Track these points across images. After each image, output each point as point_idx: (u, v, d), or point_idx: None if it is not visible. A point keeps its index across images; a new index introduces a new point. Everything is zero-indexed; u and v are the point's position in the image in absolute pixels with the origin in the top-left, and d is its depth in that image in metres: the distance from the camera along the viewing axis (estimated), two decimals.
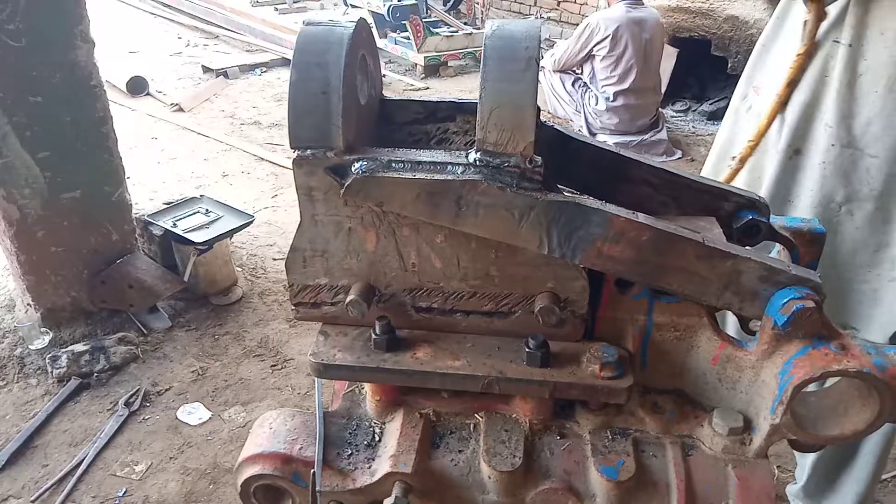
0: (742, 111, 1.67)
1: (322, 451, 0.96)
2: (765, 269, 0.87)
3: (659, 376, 1.00)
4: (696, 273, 0.89)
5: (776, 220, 1.10)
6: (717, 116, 5.41)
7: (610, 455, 0.94)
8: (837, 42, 1.36)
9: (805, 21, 1.39)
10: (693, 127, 5.35)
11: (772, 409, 0.88)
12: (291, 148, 0.88)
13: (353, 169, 0.87)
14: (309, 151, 0.88)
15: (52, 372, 2.56)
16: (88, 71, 2.49)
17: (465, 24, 6.81)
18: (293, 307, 1.01)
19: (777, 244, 1.12)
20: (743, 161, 1.57)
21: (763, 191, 1.55)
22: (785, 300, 0.85)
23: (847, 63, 1.35)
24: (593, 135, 4.74)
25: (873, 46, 1.32)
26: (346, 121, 0.86)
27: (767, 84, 1.58)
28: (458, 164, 0.87)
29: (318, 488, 0.95)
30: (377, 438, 1.00)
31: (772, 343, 0.88)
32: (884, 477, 2.14)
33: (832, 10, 1.37)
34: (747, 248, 0.94)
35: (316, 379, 1.00)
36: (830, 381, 0.92)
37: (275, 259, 3.46)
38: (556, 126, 1.06)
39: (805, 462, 1.85)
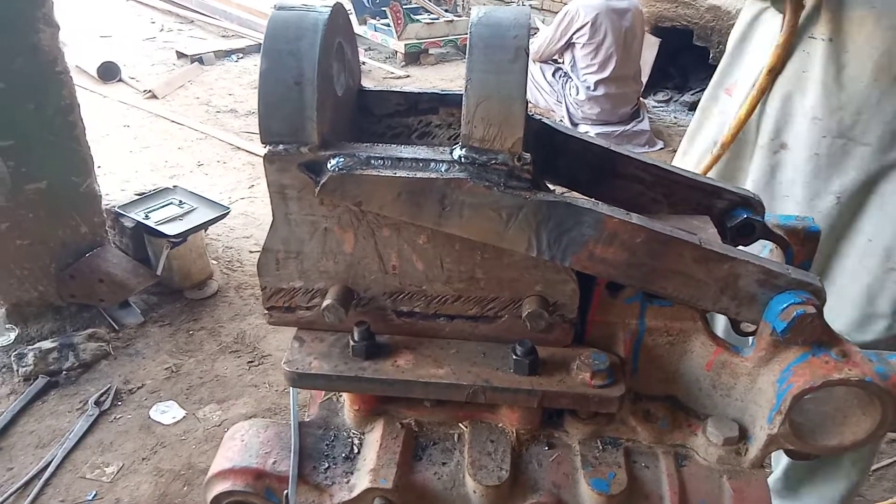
0: (713, 110, 1.67)
1: (297, 465, 0.91)
2: (763, 273, 0.83)
3: (651, 382, 0.96)
4: (693, 276, 0.85)
5: (770, 219, 1.06)
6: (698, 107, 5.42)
7: (601, 467, 0.90)
8: (814, 38, 1.38)
9: (783, 13, 1.39)
10: (675, 117, 5.34)
11: (769, 419, 0.85)
12: (262, 143, 0.82)
13: (329, 166, 0.82)
14: (281, 146, 0.82)
15: (17, 370, 2.47)
16: (53, 56, 2.39)
17: (446, 11, 6.74)
18: (266, 311, 0.95)
19: (770, 243, 1.09)
20: (725, 147, 1.56)
21: (748, 187, 1.53)
22: (784, 305, 0.81)
23: (829, 57, 1.36)
24: (575, 125, 4.72)
25: (853, 38, 1.33)
26: (322, 114, 0.80)
27: (742, 83, 1.57)
28: (442, 162, 0.81)
29: None
30: (356, 450, 0.95)
31: (769, 349, 0.85)
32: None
33: (807, 4, 1.36)
34: (741, 248, 0.90)
35: (291, 388, 0.95)
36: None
37: (251, 251, 3.38)
38: (542, 118, 1.01)
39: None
